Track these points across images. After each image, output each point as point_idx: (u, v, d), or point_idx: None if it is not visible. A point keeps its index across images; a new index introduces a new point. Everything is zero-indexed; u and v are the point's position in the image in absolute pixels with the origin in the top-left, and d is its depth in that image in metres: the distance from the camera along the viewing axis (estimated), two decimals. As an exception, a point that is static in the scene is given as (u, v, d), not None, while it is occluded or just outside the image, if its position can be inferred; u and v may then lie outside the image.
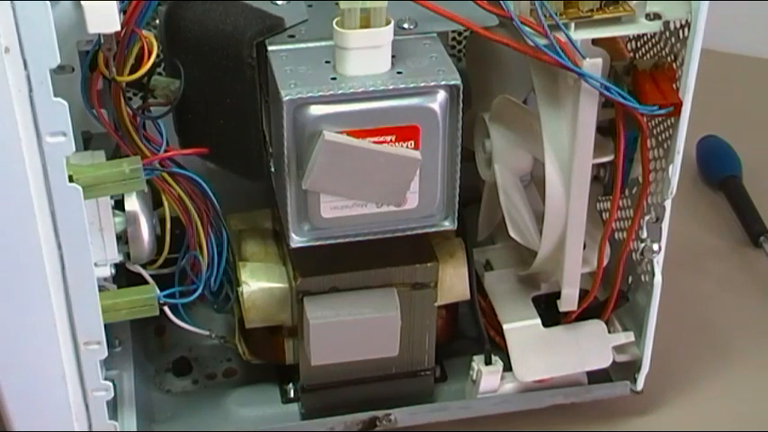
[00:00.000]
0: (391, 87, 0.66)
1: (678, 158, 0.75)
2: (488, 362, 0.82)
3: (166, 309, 0.78)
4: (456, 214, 0.72)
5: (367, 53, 0.66)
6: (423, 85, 0.66)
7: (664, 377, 0.89)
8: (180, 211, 0.74)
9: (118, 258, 0.74)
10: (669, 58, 0.74)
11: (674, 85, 0.72)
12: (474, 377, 0.83)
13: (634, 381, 0.85)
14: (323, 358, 0.78)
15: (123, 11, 0.65)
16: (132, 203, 0.74)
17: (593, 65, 0.67)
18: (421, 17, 0.69)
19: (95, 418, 0.76)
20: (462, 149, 0.69)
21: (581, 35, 0.67)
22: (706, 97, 0.80)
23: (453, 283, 0.80)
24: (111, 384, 0.75)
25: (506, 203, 0.76)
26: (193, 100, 0.72)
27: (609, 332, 0.83)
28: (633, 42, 0.79)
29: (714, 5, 0.69)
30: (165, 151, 0.71)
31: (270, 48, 0.68)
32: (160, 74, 0.72)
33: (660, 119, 0.76)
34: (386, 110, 0.66)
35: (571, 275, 0.77)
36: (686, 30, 0.70)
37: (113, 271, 0.75)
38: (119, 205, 0.74)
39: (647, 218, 0.79)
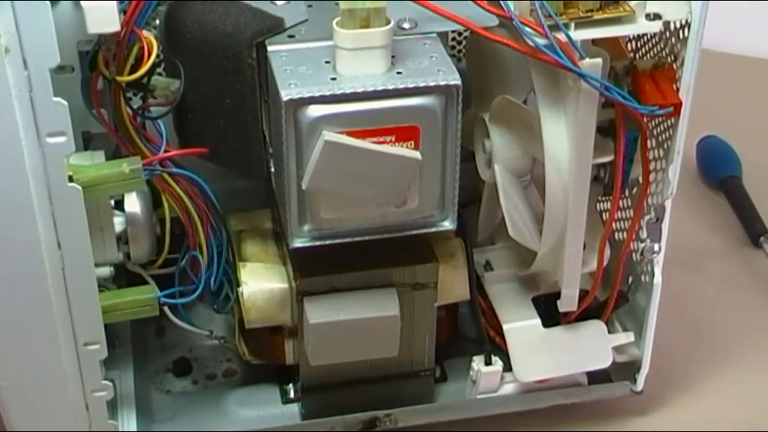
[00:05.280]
0: (391, 87, 0.66)
1: (678, 158, 0.75)
2: (488, 362, 0.82)
3: (166, 309, 0.78)
4: (456, 214, 0.72)
5: (367, 53, 0.66)
6: (423, 85, 0.66)
7: (664, 377, 0.89)
8: (180, 211, 0.74)
9: (118, 258, 0.74)
10: (669, 58, 0.74)
11: (674, 86, 0.72)
12: (474, 377, 0.83)
13: (634, 381, 0.85)
14: (323, 358, 0.78)
15: (123, 11, 0.65)
16: (132, 203, 0.74)
17: (593, 65, 0.67)
18: (421, 17, 0.69)
19: (95, 418, 0.76)
20: (462, 149, 0.69)
21: (581, 35, 0.67)
22: (706, 97, 0.80)
23: (453, 283, 0.80)
24: (111, 384, 0.75)
25: (506, 203, 0.76)
26: (193, 100, 0.72)
27: (609, 332, 0.83)
28: (633, 42, 0.79)
29: (714, 5, 0.69)
30: (165, 151, 0.71)
31: (270, 48, 0.68)
32: (160, 74, 0.72)
33: (660, 119, 0.76)
34: (386, 110, 0.66)
35: (571, 276, 0.77)
36: (686, 30, 0.70)
37: (113, 271, 0.75)
38: (119, 205, 0.74)
39: (647, 218, 0.79)
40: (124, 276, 0.79)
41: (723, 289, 1.01)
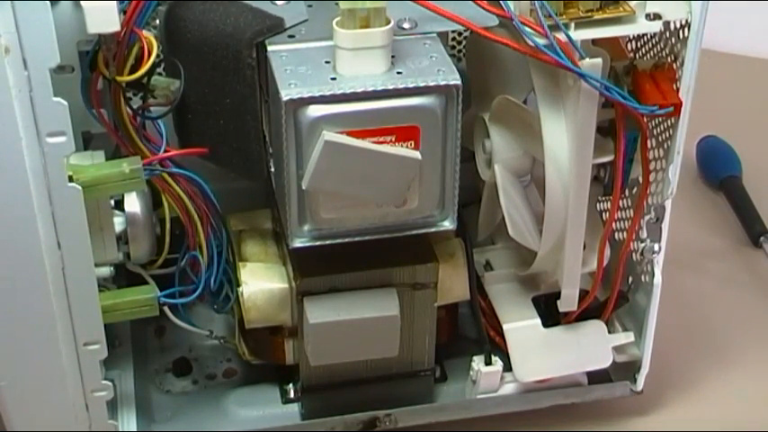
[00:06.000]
0: (391, 87, 0.66)
1: (678, 158, 0.75)
2: (488, 362, 0.82)
3: (166, 309, 0.78)
4: (456, 214, 0.72)
5: (367, 53, 0.66)
6: (423, 85, 0.66)
7: (664, 377, 0.89)
8: (180, 211, 0.74)
9: (118, 258, 0.74)
10: (669, 58, 0.74)
11: (674, 86, 0.72)
12: (474, 377, 0.83)
13: (634, 381, 0.85)
14: (323, 358, 0.78)
15: (123, 11, 0.65)
16: (132, 203, 0.74)
17: (593, 65, 0.67)
18: (421, 17, 0.69)
19: (95, 418, 0.76)
20: (462, 149, 0.69)
21: (581, 35, 0.67)
22: (706, 97, 0.80)
23: (453, 283, 0.80)
24: (111, 384, 0.75)
25: (506, 203, 0.76)
26: (193, 100, 0.72)
27: (609, 332, 0.83)
28: (633, 42, 0.79)
29: (714, 5, 0.69)
30: (165, 151, 0.71)
31: (270, 48, 0.68)
32: (160, 74, 0.72)
33: (660, 119, 0.76)
34: (386, 110, 0.66)
35: (571, 275, 0.77)
36: (686, 30, 0.70)
37: (113, 271, 0.75)
38: (119, 205, 0.74)
39: (647, 218, 0.79)
40: (124, 276, 0.79)
41: (723, 289, 1.01)
